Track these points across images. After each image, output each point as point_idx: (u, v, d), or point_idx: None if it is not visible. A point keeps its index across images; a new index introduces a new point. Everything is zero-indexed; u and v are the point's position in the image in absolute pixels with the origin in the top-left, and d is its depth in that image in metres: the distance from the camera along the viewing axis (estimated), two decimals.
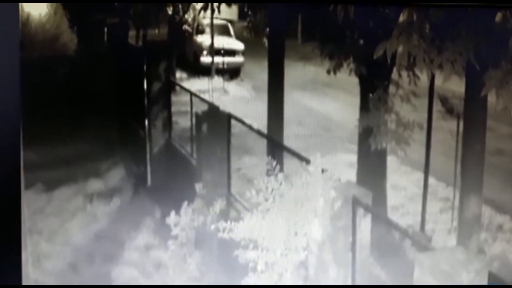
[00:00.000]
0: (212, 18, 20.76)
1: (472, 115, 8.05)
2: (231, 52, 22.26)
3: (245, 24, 24.73)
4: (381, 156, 8.99)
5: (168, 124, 13.57)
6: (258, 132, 9.50)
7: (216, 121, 9.87)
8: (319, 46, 9.37)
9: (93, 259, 10.69)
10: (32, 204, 11.43)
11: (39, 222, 11.41)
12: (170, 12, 20.51)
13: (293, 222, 6.38)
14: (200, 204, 9.06)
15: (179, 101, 14.78)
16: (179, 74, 21.27)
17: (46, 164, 13.63)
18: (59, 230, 11.63)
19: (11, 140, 3.77)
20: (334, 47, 9.08)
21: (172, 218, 8.79)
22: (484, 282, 4.49)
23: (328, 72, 9.19)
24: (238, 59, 22.62)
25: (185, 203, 8.97)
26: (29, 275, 6.01)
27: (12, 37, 3.67)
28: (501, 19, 5.78)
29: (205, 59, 21.86)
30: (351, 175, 8.95)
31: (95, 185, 13.63)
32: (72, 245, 11.18)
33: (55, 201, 12.78)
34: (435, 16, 6.15)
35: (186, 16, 20.93)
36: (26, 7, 22.82)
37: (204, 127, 9.89)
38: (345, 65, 9.09)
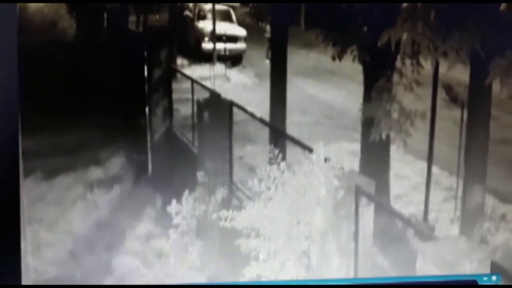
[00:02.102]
0: (213, 3, 20.63)
1: (477, 103, 8.01)
2: (233, 39, 22.12)
3: (248, 9, 24.70)
4: (385, 145, 8.94)
5: (169, 111, 13.50)
6: (261, 120, 9.45)
7: (217, 109, 9.82)
8: (323, 33, 9.30)
9: (93, 248, 10.66)
10: (31, 192, 11.38)
11: (38, 211, 11.37)
12: None
13: (296, 211, 6.36)
14: (202, 193, 9.02)
15: (180, 88, 14.69)
16: (180, 61, 21.13)
17: (45, 152, 13.57)
18: (59, 218, 11.59)
19: (10, 127, 3.71)
20: (338, 34, 9.02)
21: (173, 206, 8.76)
22: (487, 271, 4.47)
23: (333, 58, 9.14)
24: (240, 45, 22.50)
25: (187, 191, 8.93)
26: (29, 264, 5.97)
27: (9, 22, 3.59)
28: (506, 7, 5.73)
29: (207, 45, 21.73)
30: (354, 164, 8.90)
31: (95, 173, 13.57)
32: (72, 233, 11.15)
33: (55, 189, 12.73)
34: (440, 3, 6.07)
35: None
36: None
37: (206, 115, 9.84)
38: (348, 52, 9.02)
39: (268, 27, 22.40)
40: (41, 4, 24.32)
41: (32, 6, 23.73)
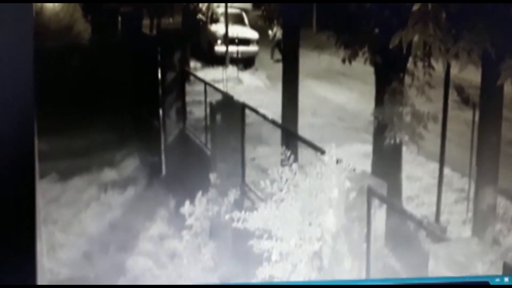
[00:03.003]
0: (226, 7, 20.70)
1: (488, 105, 7.98)
2: (245, 41, 22.18)
3: (260, 12, 24.71)
4: (396, 146, 8.92)
5: (182, 114, 13.57)
6: (273, 122, 9.48)
7: (230, 111, 9.85)
8: (334, 35, 9.30)
9: (107, 249, 10.74)
10: (46, 194, 11.50)
11: (53, 212, 11.47)
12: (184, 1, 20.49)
13: (308, 213, 6.37)
14: (215, 194, 9.07)
15: (193, 90, 14.78)
16: (193, 64, 21.25)
17: (61, 154, 13.70)
18: (73, 220, 11.70)
19: (26, 130, 3.77)
20: (349, 36, 9.01)
21: (186, 208, 8.82)
22: (499, 273, 4.46)
23: (343, 61, 9.13)
24: (253, 48, 22.56)
25: (200, 193, 8.99)
26: (44, 265, 6.04)
27: (25, 26, 3.65)
28: None
29: (219, 48, 21.82)
30: (366, 165, 8.89)
31: (109, 175, 13.68)
32: (87, 235, 11.24)
33: (70, 191, 12.85)
34: (451, 4, 6.08)
35: (200, 5, 20.91)
36: None
37: (218, 117, 9.88)
38: (360, 54, 9.02)
39: (274, 27, 22.48)
40: (56, 9, 24.54)
41: (48, 11, 23.95)
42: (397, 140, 8.48)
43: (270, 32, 22.86)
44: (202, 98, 12.63)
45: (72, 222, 11.58)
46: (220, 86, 14.53)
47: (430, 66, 8.54)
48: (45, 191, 11.35)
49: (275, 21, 23.20)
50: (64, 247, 10.63)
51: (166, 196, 12.23)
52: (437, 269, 4.69)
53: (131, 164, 14.33)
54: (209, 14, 22.39)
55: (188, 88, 14.32)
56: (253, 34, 22.81)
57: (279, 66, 11.27)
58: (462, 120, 10.19)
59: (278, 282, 6.35)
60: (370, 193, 5.99)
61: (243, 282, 8.20)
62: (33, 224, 3.88)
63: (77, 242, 10.93)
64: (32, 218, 3.86)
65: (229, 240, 8.80)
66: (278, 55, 22.69)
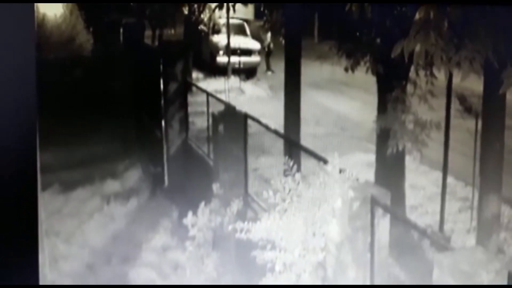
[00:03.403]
0: (228, 17, 20.76)
1: (491, 113, 7.96)
2: (247, 52, 22.23)
3: (261, 23, 24.77)
4: (400, 155, 8.91)
5: (184, 124, 13.57)
6: (275, 132, 9.46)
7: (232, 121, 9.84)
8: (336, 45, 9.31)
9: (110, 260, 10.72)
10: (49, 205, 11.49)
11: (56, 224, 11.46)
12: (186, 12, 20.56)
13: (311, 223, 6.34)
14: (217, 205, 9.04)
15: (195, 101, 14.79)
16: (195, 74, 21.30)
17: (63, 165, 13.70)
18: (76, 231, 11.68)
19: (28, 141, 3.76)
20: (351, 46, 9.02)
21: (189, 218, 8.78)
22: (504, 282, 4.44)
23: (346, 70, 9.14)
24: (255, 58, 22.60)
25: (202, 203, 8.96)
26: (46, 276, 6.02)
27: (27, 38, 3.66)
28: None
29: (221, 59, 21.87)
30: (370, 174, 8.89)
31: (112, 186, 13.68)
32: (89, 246, 11.22)
33: (72, 202, 12.84)
34: (453, 14, 6.07)
35: (202, 15, 20.97)
36: (42, 8, 22.95)
37: (221, 127, 9.87)
38: (362, 63, 9.02)
39: (268, 36, 22.52)
40: (58, 21, 24.58)
41: (50, 22, 24.00)
42: (400, 148, 8.47)
43: (265, 42, 22.95)
44: (204, 109, 12.63)
45: (75, 234, 11.57)
46: (222, 96, 14.55)
47: (432, 75, 8.53)
48: (48, 203, 11.33)
49: (267, 31, 23.38)
50: (67, 259, 10.61)
51: (169, 207, 12.23)
52: (442, 279, 4.67)
53: (133, 175, 14.34)
54: (211, 25, 22.46)
55: (190, 99, 14.33)
56: (255, 45, 22.87)
57: (281, 76, 11.27)
58: (465, 128, 10.19)
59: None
60: (374, 202, 5.96)
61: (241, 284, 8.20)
62: (35, 235, 3.87)
63: (79, 253, 10.91)
64: (35, 229, 3.85)
65: (232, 251, 8.77)
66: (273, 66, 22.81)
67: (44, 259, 5.63)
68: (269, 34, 22.93)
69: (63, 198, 12.89)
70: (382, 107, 8.90)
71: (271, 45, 23.10)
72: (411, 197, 10.00)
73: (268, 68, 23.11)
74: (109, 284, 9.97)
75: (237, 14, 21.87)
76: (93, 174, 13.77)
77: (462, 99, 10.13)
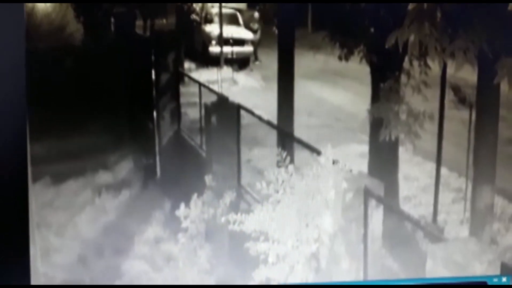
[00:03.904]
0: (220, 7, 20.66)
1: (485, 104, 7.94)
2: (240, 42, 22.14)
3: (253, 13, 24.67)
4: (393, 146, 8.90)
5: (177, 115, 13.53)
6: (268, 123, 9.44)
7: (225, 112, 9.81)
8: (330, 35, 9.27)
9: (102, 253, 10.69)
10: (40, 197, 11.44)
11: (47, 216, 11.41)
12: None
13: (304, 214, 6.32)
14: (210, 196, 9.03)
15: (187, 92, 14.74)
16: (187, 65, 21.20)
17: (54, 157, 13.63)
18: (67, 223, 11.64)
19: (18, 133, 3.72)
20: (345, 36, 8.99)
21: (182, 210, 8.76)
22: (497, 273, 4.44)
23: (340, 58, 9.11)
24: (247, 48, 22.53)
25: (195, 195, 8.94)
26: (38, 269, 5.98)
27: (17, 27, 3.61)
28: None
29: (214, 49, 21.78)
30: (363, 166, 8.87)
31: (103, 177, 13.64)
32: (81, 238, 11.19)
33: (64, 194, 12.79)
34: (447, 4, 6.04)
35: (194, 5, 20.86)
36: None
37: (214, 118, 9.84)
38: (355, 53, 8.99)
39: (256, 26, 22.48)
40: (48, 10, 24.43)
41: (40, 12, 23.85)
42: (393, 137, 8.45)
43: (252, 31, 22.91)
44: (197, 100, 12.59)
45: (67, 226, 11.52)
46: (215, 87, 14.49)
47: (426, 65, 8.50)
48: (39, 195, 11.28)
49: (255, 21, 23.31)
50: (59, 251, 10.57)
51: (161, 199, 12.20)
52: (435, 270, 4.67)
53: (125, 167, 14.29)
54: (203, 14, 22.36)
55: (182, 89, 14.28)
56: (248, 35, 22.78)
57: (274, 66, 11.22)
58: (459, 119, 10.18)
59: (276, 285, 6.31)
60: (367, 193, 5.96)
61: (239, 284, 8.17)
62: (26, 228, 3.82)
63: (71, 245, 10.87)
64: (25, 222, 3.80)
65: (225, 243, 8.76)
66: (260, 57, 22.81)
67: (36, 251, 5.58)
68: (256, 24, 22.93)
69: (54, 190, 12.83)
70: (375, 98, 8.88)
71: (259, 34, 23.10)
72: (404, 188, 10.00)
73: (256, 58, 23.06)
74: (103, 277, 9.95)
75: (230, 4, 21.78)
76: (85, 166, 13.72)
77: (456, 90, 10.11)
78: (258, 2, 14.04)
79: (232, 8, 23.73)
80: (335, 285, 6.15)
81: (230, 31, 21.78)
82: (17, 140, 3.71)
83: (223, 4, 20.29)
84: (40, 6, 24.08)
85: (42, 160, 11.91)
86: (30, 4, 22.05)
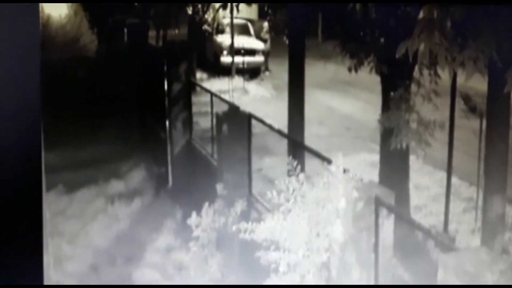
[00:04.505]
0: (232, 17, 20.75)
1: (495, 113, 7.91)
2: (251, 52, 22.21)
3: (264, 23, 24.73)
4: (404, 155, 8.88)
5: (188, 124, 13.58)
6: (279, 132, 9.45)
7: (236, 121, 9.83)
8: (340, 45, 9.29)
9: (114, 261, 10.72)
10: (53, 206, 11.50)
11: (60, 224, 11.46)
12: (190, 12, 20.55)
13: (315, 223, 6.32)
14: (221, 205, 9.04)
15: (199, 101, 14.80)
16: (199, 75, 21.31)
17: (67, 166, 13.72)
18: (80, 232, 11.69)
19: (32, 142, 3.76)
20: (355, 46, 9.00)
21: (193, 219, 8.78)
22: (509, 282, 4.42)
23: (349, 69, 9.11)
24: (259, 58, 22.59)
25: (206, 204, 8.96)
26: (50, 277, 6.03)
27: (32, 39, 3.65)
28: None
29: (225, 59, 21.86)
30: (374, 175, 8.87)
31: (116, 186, 13.69)
32: (93, 247, 11.22)
33: (76, 203, 12.85)
34: (456, 13, 6.05)
35: (206, 16, 20.96)
36: (47, 9, 22.97)
37: (225, 127, 9.86)
38: (366, 63, 9.01)
39: (266, 36, 22.58)
40: (63, 21, 24.63)
41: (55, 23, 24.07)
42: (403, 146, 8.44)
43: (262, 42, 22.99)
44: (208, 109, 12.63)
45: (79, 234, 11.57)
46: (226, 96, 14.56)
47: (436, 74, 8.49)
48: (52, 203, 11.35)
49: (266, 31, 23.40)
50: (71, 259, 10.61)
51: (173, 208, 12.22)
52: (446, 279, 4.64)
53: (137, 176, 14.34)
54: (215, 25, 22.45)
55: (194, 99, 14.33)
56: (259, 45, 22.85)
57: (285, 76, 11.26)
58: (469, 128, 10.15)
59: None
60: (378, 202, 5.94)
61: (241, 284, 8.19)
62: (40, 236, 3.87)
63: (84, 254, 10.91)
64: (39, 230, 3.85)
65: (236, 252, 8.75)
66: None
67: (49, 260, 5.63)
68: (267, 34, 23.01)
69: (67, 198, 12.90)
70: (386, 107, 8.88)
71: (269, 44, 23.19)
72: (415, 198, 9.97)
73: (266, 68, 23.12)
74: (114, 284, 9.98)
75: (241, 14, 21.87)
76: (97, 174, 13.79)
77: (467, 99, 10.08)
78: (270, 2, 14.00)
79: (243, 18, 23.82)
80: (334, 285, 6.17)
81: (241, 41, 21.86)
82: (32, 149, 3.76)
83: (235, 14, 20.38)
84: (55, 17, 24.30)
85: (56, 169, 12.00)
86: (45, 16, 22.28)
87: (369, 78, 9.64)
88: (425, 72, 8.53)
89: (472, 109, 9.86)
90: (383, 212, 5.93)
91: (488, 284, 4.39)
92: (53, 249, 8.75)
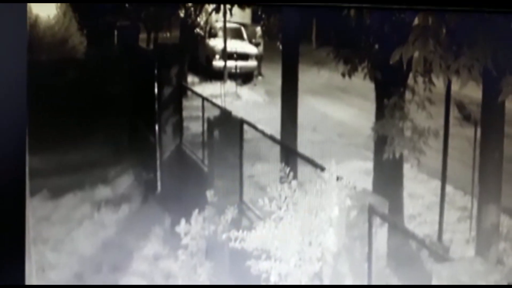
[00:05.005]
0: (225, 21, 20.69)
1: (490, 121, 7.94)
2: (244, 56, 22.16)
3: (257, 27, 24.72)
4: (398, 163, 8.85)
5: (179, 129, 13.47)
6: (271, 138, 9.39)
7: (228, 127, 9.76)
8: (334, 51, 9.26)
9: (100, 269, 10.57)
10: (37, 212, 11.32)
11: (44, 231, 11.30)
12: (182, 15, 20.46)
13: (308, 232, 6.25)
14: (211, 212, 8.92)
15: (190, 106, 14.68)
16: (190, 79, 21.21)
17: (53, 170, 13.55)
18: (65, 239, 11.52)
19: (17, 145, 3.64)
20: (349, 52, 8.97)
21: (182, 226, 8.65)
22: None
23: (343, 75, 9.10)
24: (251, 63, 22.54)
25: (196, 211, 8.83)
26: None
27: (19, 39, 3.54)
28: None
29: (218, 63, 21.79)
30: (367, 183, 8.81)
31: (103, 192, 13.52)
32: (79, 254, 11.07)
33: (62, 208, 12.68)
34: (451, 21, 6.02)
35: (198, 19, 20.88)
36: (35, 9, 22.84)
37: (216, 132, 9.78)
38: (360, 69, 8.98)
39: (258, 40, 22.60)
40: (51, 22, 24.47)
41: (43, 24, 23.89)
42: (397, 154, 8.42)
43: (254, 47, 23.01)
44: (200, 114, 12.53)
45: (64, 241, 11.40)
46: (218, 101, 14.43)
47: (431, 82, 8.48)
48: (36, 209, 11.17)
49: (259, 36, 23.43)
50: (55, 267, 10.45)
51: (161, 214, 12.08)
52: None
53: (125, 181, 14.19)
54: (208, 28, 22.39)
55: (185, 103, 14.22)
56: (252, 49, 22.81)
57: (279, 81, 11.20)
58: (464, 137, 10.13)
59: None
60: (371, 211, 5.91)
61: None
62: (22, 243, 3.74)
63: (68, 262, 10.75)
64: (22, 237, 3.72)
65: (226, 261, 8.66)
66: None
67: (31, 268, 5.48)
68: (261, 38, 23.00)
69: (52, 204, 12.72)
70: (380, 114, 8.84)
71: (262, 49, 23.19)
72: (409, 206, 9.95)
73: (259, 73, 23.10)
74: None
75: (234, 18, 21.80)
76: (84, 180, 13.61)
77: (461, 107, 10.09)
78: (264, 4, 13.96)
79: (237, 22, 23.78)
80: (334, 285, 6.10)
81: (234, 45, 21.80)
82: (16, 152, 3.65)
83: (228, 18, 20.33)
84: (43, 18, 24.13)
85: (41, 173, 11.83)
86: (33, 16, 22.09)
87: (363, 85, 9.59)
88: (420, 79, 8.54)
89: (466, 117, 9.85)
90: (377, 221, 5.91)
91: None
92: (36, 256, 8.60)
